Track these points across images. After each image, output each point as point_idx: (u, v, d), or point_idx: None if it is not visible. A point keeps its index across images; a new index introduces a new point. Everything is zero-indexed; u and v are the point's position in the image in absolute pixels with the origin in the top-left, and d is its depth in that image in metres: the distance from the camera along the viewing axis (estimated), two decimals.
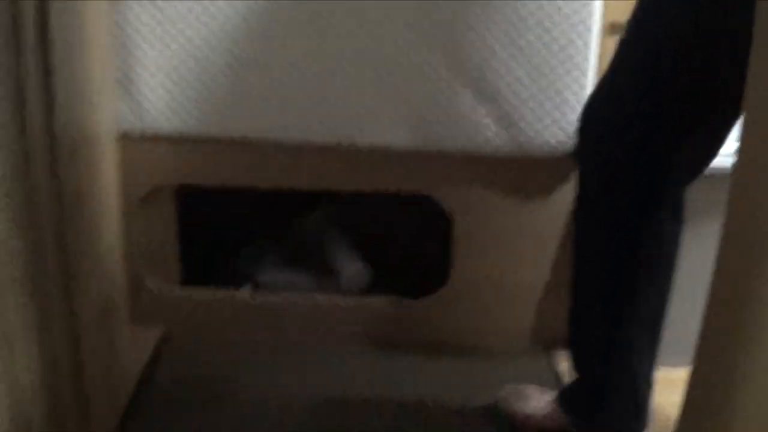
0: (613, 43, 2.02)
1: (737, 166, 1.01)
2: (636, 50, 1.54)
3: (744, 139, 1.00)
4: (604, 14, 2.00)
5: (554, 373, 2.13)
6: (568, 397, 1.84)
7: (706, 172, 1.61)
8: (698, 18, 1.41)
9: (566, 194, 2.10)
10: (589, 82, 2.00)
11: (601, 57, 2.01)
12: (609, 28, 2.03)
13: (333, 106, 2.01)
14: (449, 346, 2.22)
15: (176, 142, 2.06)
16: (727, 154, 1.83)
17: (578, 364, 1.80)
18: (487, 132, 2.02)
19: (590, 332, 1.75)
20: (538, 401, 1.89)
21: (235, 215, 2.46)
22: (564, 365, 2.14)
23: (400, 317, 2.24)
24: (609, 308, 1.68)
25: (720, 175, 1.60)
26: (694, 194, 1.65)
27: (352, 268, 2.28)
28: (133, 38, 1.98)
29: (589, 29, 1.97)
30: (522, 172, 2.10)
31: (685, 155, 1.54)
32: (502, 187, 2.12)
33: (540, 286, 2.20)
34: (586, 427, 1.80)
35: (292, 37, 1.97)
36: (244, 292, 2.27)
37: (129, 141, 2.03)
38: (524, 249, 2.18)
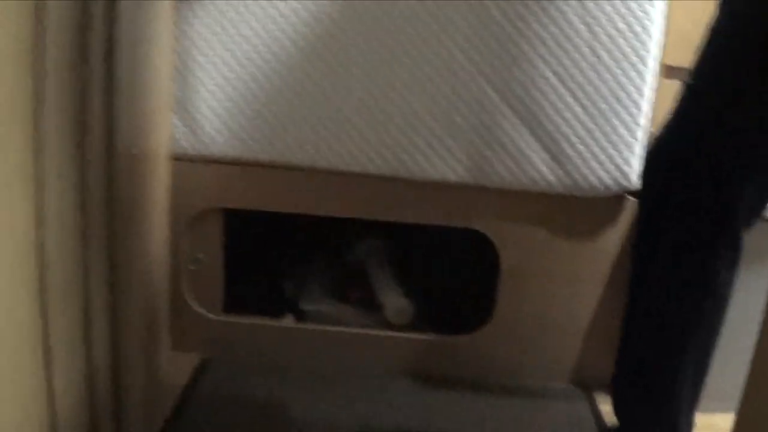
0: (668, 85, 2.04)
1: None
2: (700, 94, 1.54)
3: None
4: (661, 56, 2.00)
5: (594, 414, 2.10)
6: None
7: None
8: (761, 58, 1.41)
9: (614, 235, 2.10)
10: (643, 122, 1.99)
11: (656, 98, 2.01)
12: (665, 70, 2.04)
13: (388, 137, 2.01)
14: (490, 383, 2.20)
15: (228, 165, 2.07)
16: None
17: (620, 408, 1.78)
18: (540, 168, 2.02)
19: (635, 377, 1.73)
20: None
21: (282, 242, 2.46)
22: (604, 407, 2.13)
23: (442, 352, 2.22)
24: (658, 354, 1.67)
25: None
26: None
27: (397, 302, 2.27)
28: (193, 59, 1.99)
29: (644, 69, 1.97)
30: (571, 211, 2.09)
31: (747, 198, 1.53)
32: (550, 224, 2.11)
33: (583, 327, 2.18)
34: None
35: (351, 65, 1.98)
36: (287, 321, 2.26)
37: (181, 161, 2.04)
38: (569, 289, 2.16)
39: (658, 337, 1.66)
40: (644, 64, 1.96)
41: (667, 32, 2.00)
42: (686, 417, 1.69)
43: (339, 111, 2.00)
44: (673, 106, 1.61)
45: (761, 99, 1.44)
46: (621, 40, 1.95)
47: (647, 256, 1.67)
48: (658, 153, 1.63)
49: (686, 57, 1.90)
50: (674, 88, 2.07)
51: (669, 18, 1.99)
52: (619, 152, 1.99)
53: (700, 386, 1.68)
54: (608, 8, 1.93)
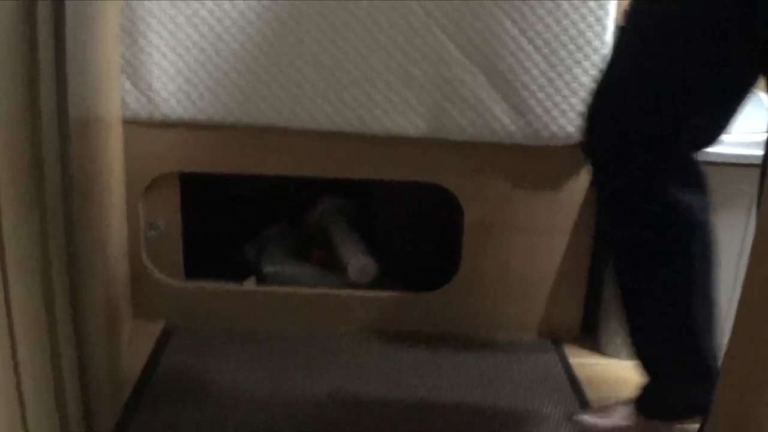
0: None
1: None
2: (639, 31, 1.54)
3: None
4: (619, 7, 1.97)
5: (564, 364, 2.10)
6: (648, 401, 1.80)
7: (730, 161, 1.60)
8: None
9: (577, 184, 2.09)
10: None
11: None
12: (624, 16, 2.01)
13: (345, 93, 1.98)
14: (458, 338, 2.19)
15: (182, 128, 2.03)
16: (749, 144, 1.82)
17: (646, 364, 1.77)
18: (501, 119, 1.99)
19: (647, 326, 1.72)
20: (621, 413, 1.85)
21: (241, 205, 2.43)
22: (573, 358, 2.13)
23: (409, 310, 2.21)
24: (659, 294, 1.66)
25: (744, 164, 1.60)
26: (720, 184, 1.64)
27: (359, 260, 2.24)
28: (140, 23, 1.94)
29: (604, 16, 1.95)
30: (534, 162, 2.08)
31: (695, 125, 1.53)
32: (513, 177, 2.09)
33: (549, 278, 2.18)
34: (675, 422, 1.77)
35: (303, 23, 1.94)
36: (249, 284, 2.23)
37: (134, 127, 2.00)
38: (534, 240, 2.15)
39: (654, 281, 1.66)
40: (604, 10, 1.94)
41: None
42: (710, 344, 1.68)
43: (294, 68, 1.97)
44: (613, 45, 1.61)
45: (692, 35, 1.44)
46: None
47: (610, 202, 1.67)
48: (600, 98, 1.62)
49: None
50: None
51: None
52: (581, 100, 1.97)
53: (715, 308, 1.67)
54: None
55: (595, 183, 1.66)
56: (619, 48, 1.60)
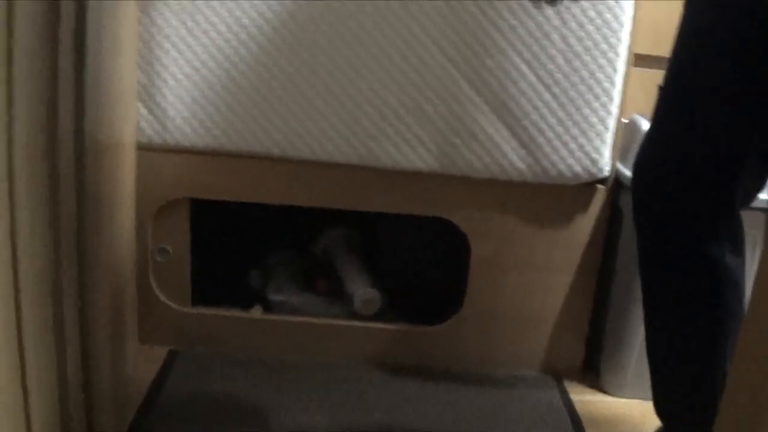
0: (638, 74, 2.04)
1: None
2: (688, 82, 1.54)
3: None
4: (630, 45, 2.00)
5: (565, 401, 2.10)
6: None
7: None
8: (741, 53, 1.42)
9: (584, 223, 2.10)
10: (614, 111, 2.00)
11: (625, 87, 2.01)
12: (635, 59, 2.04)
13: (356, 126, 2.00)
14: (460, 372, 2.20)
15: (195, 155, 2.04)
16: None
17: (664, 411, 1.76)
18: (510, 156, 2.01)
19: (670, 375, 1.72)
20: None
21: (249, 233, 2.44)
22: (574, 395, 2.14)
23: (412, 342, 2.22)
24: (688, 347, 1.66)
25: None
26: None
27: (364, 292, 2.25)
28: (158, 49, 1.97)
29: (615, 58, 1.97)
30: (542, 200, 2.09)
31: (742, 184, 1.53)
32: (520, 213, 2.10)
33: (554, 315, 2.18)
34: None
35: (318, 55, 1.96)
36: (255, 312, 2.24)
37: (147, 152, 2.01)
38: (539, 277, 2.15)
39: (685, 335, 1.65)
40: (615, 52, 1.96)
41: (637, 21, 1.99)
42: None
43: (307, 100, 1.99)
44: (655, 106, 1.60)
45: (741, 90, 1.45)
46: (591, 28, 1.94)
47: (653, 266, 1.66)
48: (650, 155, 1.62)
49: (656, 46, 1.90)
50: (644, 76, 2.08)
51: (639, 6, 1.98)
52: (590, 140, 1.99)
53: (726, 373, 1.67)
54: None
55: (638, 233, 1.65)
56: (666, 103, 1.59)
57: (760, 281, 1.05)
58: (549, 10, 1.93)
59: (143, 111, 1.99)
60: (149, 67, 1.97)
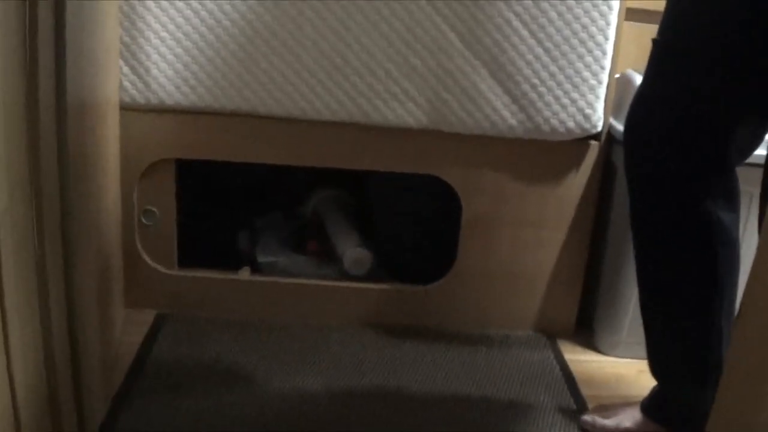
0: (631, 28, 2.01)
1: None
2: (680, 48, 1.52)
3: None
4: (622, 3, 1.97)
5: (558, 360, 2.09)
6: (656, 406, 1.79)
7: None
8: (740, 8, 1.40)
9: (577, 179, 2.08)
10: (608, 64, 1.97)
11: (618, 41, 1.99)
12: (628, 14, 2.01)
13: (345, 83, 1.97)
14: (453, 332, 2.18)
15: (180, 114, 2.01)
16: None
17: (659, 370, 1.75)
18: (501, 112, 1.98)
19: (665, 333, 1.71)
20: (625, 415, 1.84)
21: (237, 194, 2.42)
22: (567, 354, 2.12)
23: (404, 303, 2.20)
24: (681, 304, 1.64)
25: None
26: None
27: (354, 252, 2.23)
28: (140, 6, 1.92)
29: (608, 11, 1.94)
30: (534, 156, 2.06)
31: (738, 140, 1.51)
32: (513, 170, 2.08)
33: (546, 273, 2.17)
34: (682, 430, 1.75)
35: (304, 10, 1.93)
36: (242, 274, 2.21)
37: (131, 112, 1.98)
38: (532, 235, 2.14)
39: (678, 292, 1.64)
40: (608, 5, 1.93)
41: None
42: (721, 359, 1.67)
43: (293, 56, 1.95)
44: (648, 60, 1.58)
45: (741, 46, 1.43)
46: None
47: (646, 221, 1.65)
48: (643, 111, 1.59)
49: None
50: (637, 31, 2.06)
51: None
52: (583, 95, 1.96)
53: (730, 324, 1.66)
54: None
55: (630, 191, 1.64)
56: (658, 58, 1.57)
57: (756, 268, 1.03)
58: None
59: (126, 70, 1.95)
60: (131, 25, 1.93)
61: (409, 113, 1.98)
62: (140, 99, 1.97)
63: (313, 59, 1.95)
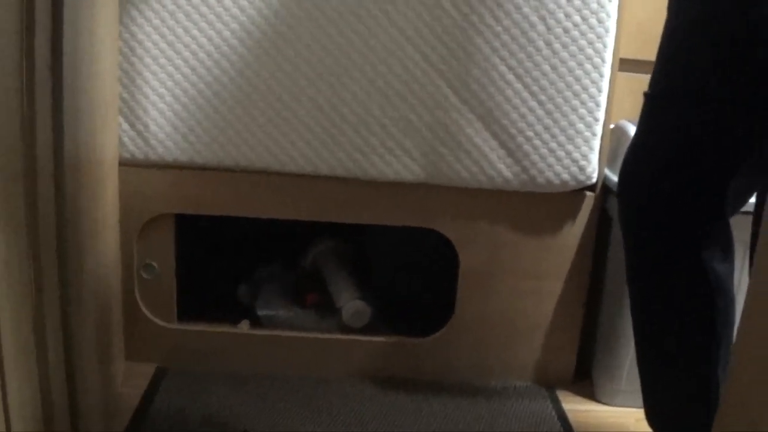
0: (625, 78, 2.03)
1: None
2: (671, 98, 1.53)
3: None
4: (616, 50, 1.98)
5: (557, 411, 2.09)
6: None
7: None
8: (724, 52, 1.41)
9: (573, 230, 2.09)
10: (601, 116, 1.99)
11: (612, 92, 2.00)
12: (621, 64, 2.03)
13: (342, 137, 1.99)
14: (452, 384, 2.18)
15: (178, 170, 2.03)
16: None
17: (655, 420, 1.75)
18: (497, 166, 2.00)
19: (661, 383, 1.71)
20: None
21: (236, 247, 2.43)
22: (567, 404, 2.13)
23: (403, 355, 2.20)
24: (678, 354, 1.64)
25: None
26: None
27: (353, 304, 2.24)
28: (139, 63, 1.95)
29: (601, 64, 1.96)
30: (530, 208, 2.08)
31: (732, 191, 1.52)
32: (509, 222, 2.09)
33: (544, 323, 2.17)
34: None
35: (301, 66, 1.95)
36: (242, 327, 2.22)
37: (130, 168, 2.00)
38: (529, 285, 2.14)
39: (675, 347, 1.64)
40: (601, 58, 1.95)
41: (623, 25, 1.98)
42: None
43: (290, 112, 1.97)
44: (640, 113, 1.59)
45: (733, 95, 1.44)
46: (576, 33, 1.93)
47: (641, 269, 1.65)
48: (636, 163, 1.61)
49: (643, 50, 1.89)
50: (631, 81, 2.07)
51: (624, 9, 1.97)
52: (577, 147, 1.98)
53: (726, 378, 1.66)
54: (563, 1, 1.91)
55: (625, 242, 1.64)
56: (649, 109, 1.58)
57: (754, 285, 1.04)
58: (534, 17, 1.92)
59: (125, 126, 1.97)
60: (130, 82, 1.95)
61: (405, 167, 2.00)
62: (139, 155, 1.99)
63: (309, 115, 1.97)
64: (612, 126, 2.07)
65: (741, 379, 1.09)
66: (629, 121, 2.07)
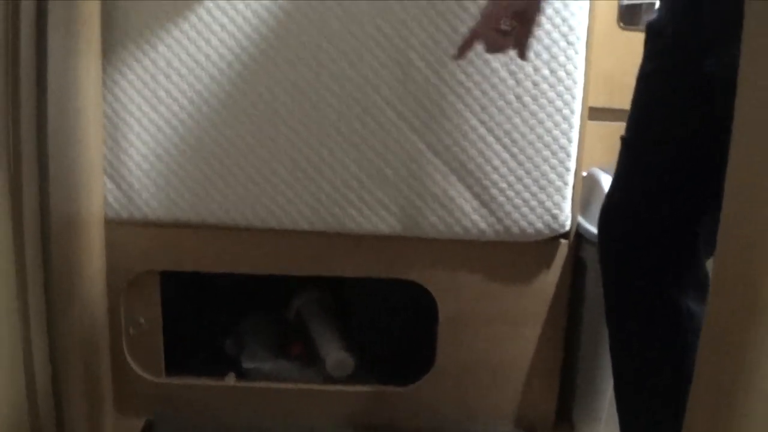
0: (595, 126, 2.06)
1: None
2: (641, 143, 1.57)
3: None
4: (585, 100, 2.03)
5: None
6: None
7: None
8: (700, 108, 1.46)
9: (549, 277, 2.13)
10: (572, 165, 2.03)
11: (583, 141, 2.05)
12: (591, 112, 2.07)
13: (320, 193, 2.03)
14: (435, 429, 2.20)
15: (163, 228, 2.06)
16: None
17: None
18: (471, 217, 2.04)
19: (640, 430, 1.73)
20: None
21: (220, 300, 2.45)
22: None
23: (386, 404, 2.22)
24: (655, 392, 1.67)
25: None
26: None
27: (336, 355, 2.27)
28: (122, 124, 2.00)
29: (570, 115, 2.00)
30: (506, 256, 2.11)
31: (706, 233, 1.55)
32: (486, 271, 2.12)
33: (524, 369, 2.20)
34: None
35: (279, 124, 2.00)
36: (228, 380, 2.25)
37: (116, 226, 2.03)
38: (508, 332, 2.17)
39: (651, 386, 1.67)
40: (570, 109, 2.00)
41: (590, 75, 2.03)
42: None
43: (270, 169, 2.02)
44: (618, 157, 1.63)
45: (695, 141, 1.49)
46: (545, 86, 1.98)
47: (618, 310, 1.68)
48: (614, 206, 1.65)
49: (611, 98, 1.93)
50: (600, 129, 2.11)
51: (591, 61, 2.02)
52: (550, 197, 2.02)
53: None
54: (531, 55, 1.96)
55: (604, 284, 1.68)
56: (627, 152, 1.62)
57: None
58: (503, 71, 1.96)
59: (110, 186, 2.01)
60: (114, 143, 2.00)
61: (383, 220, 2.04)
62: (124, 213, 2.03)
63: (287, 171, 2.01)
64: (584, 174, 2.12)
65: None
66: (601, 169, 2.12)
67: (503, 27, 1.63)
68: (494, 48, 1.68)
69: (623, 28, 2.61)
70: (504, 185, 2.02)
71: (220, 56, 1.99)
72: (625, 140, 1.61)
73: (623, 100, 1.61)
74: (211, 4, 1.97)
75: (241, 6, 1.97)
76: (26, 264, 1.34)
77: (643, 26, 1.69)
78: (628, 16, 2.65)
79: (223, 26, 1.98)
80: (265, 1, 1.96)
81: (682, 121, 1.51)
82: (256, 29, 1.98)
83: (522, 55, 1.68)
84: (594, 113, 2.11)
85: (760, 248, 0.97)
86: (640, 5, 2.68)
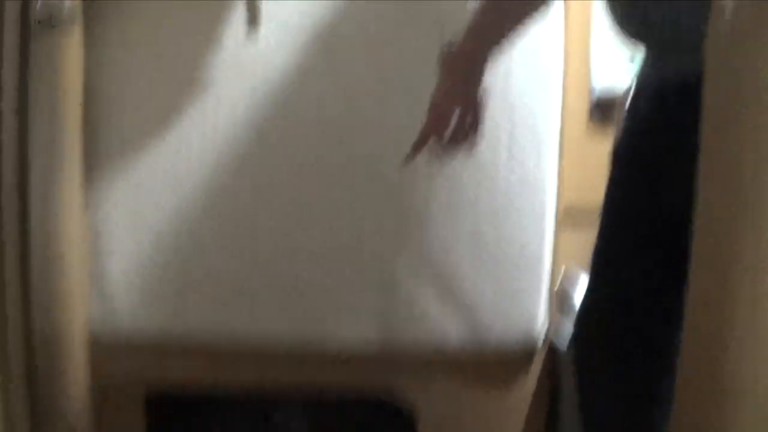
0: (568, 230, 2.07)
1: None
2: (609, 259, 1.62)
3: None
4: (557, 200, 2.06)
5: None
6: None
7: None
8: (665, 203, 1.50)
9: (526, 386, 2.14)
10: (546, 271, 2.05)
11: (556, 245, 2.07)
12: (563, 214, 2.09)
13: (298, 309, 2.05)
14: None
15: (145, 349, 2.07)
16: None
17: None
18: (448, 329, 2.05)
19: None
20: None
21: (204, 413, 2.45)
22: None
23: None
24: None
25: None
26: None
27: None
28: (104, 243, 2.01)
29: (542, 219, 2.03)
30: (483, 368, 2.13)
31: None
32: (464, 382, 2.13)
33: None
34: None
35: (258, 243, 2.03)
36: None
37: (98, 347, 2.02)
38: None
39: None
40: (541, 213, 2.03)
41: (563, 176, 2.06)
42: None
43: (249, 292, 2.04)
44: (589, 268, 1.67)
45: (655, 266, 1.53)
46: (516, 196, 2.01)
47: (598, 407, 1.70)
48: (587, 312, 1.68)
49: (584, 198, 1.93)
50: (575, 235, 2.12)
51: (564, 162, 2.05)
52: (523, 307, 2.05)
53: None
54: (501, 163, 2.00)
55: (580, 389, 1.70)
56: (596, 257, 1.67)
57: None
58: (476, 177, 2.01)
59: (92, 304, 2.00)
60: (96, 260, 2.01)
61: (358, 336, 2.06)
62: (107, 334, 2.02)
63: (268, 290, 2.04)
64: (558, 283, 2.15)
65: None
66: (574, 272, 2.15)
67: (453, 120, 1.68)
68: (450, 141, 1.70)
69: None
70: (478, 297, 2.04)
71: (201, 164, 2.02)
72: (595, 247, 1.65)
73: (595, 202, 1.65)
74: (192, 111, 2.00)
75: (221, 117, 2.00)
76: (10, 383, 1.34)
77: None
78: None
79: (203, 135, 2.01)
80: (242, 114, 2.00)
81: (640, 249, 1.56)
82: (236, 138, 2.01)
83: (474, 143, 1.72)
84: (572, 214, 2.12)
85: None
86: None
